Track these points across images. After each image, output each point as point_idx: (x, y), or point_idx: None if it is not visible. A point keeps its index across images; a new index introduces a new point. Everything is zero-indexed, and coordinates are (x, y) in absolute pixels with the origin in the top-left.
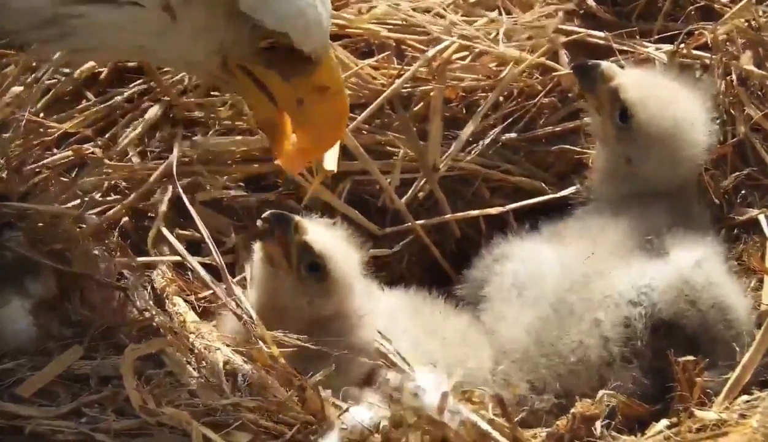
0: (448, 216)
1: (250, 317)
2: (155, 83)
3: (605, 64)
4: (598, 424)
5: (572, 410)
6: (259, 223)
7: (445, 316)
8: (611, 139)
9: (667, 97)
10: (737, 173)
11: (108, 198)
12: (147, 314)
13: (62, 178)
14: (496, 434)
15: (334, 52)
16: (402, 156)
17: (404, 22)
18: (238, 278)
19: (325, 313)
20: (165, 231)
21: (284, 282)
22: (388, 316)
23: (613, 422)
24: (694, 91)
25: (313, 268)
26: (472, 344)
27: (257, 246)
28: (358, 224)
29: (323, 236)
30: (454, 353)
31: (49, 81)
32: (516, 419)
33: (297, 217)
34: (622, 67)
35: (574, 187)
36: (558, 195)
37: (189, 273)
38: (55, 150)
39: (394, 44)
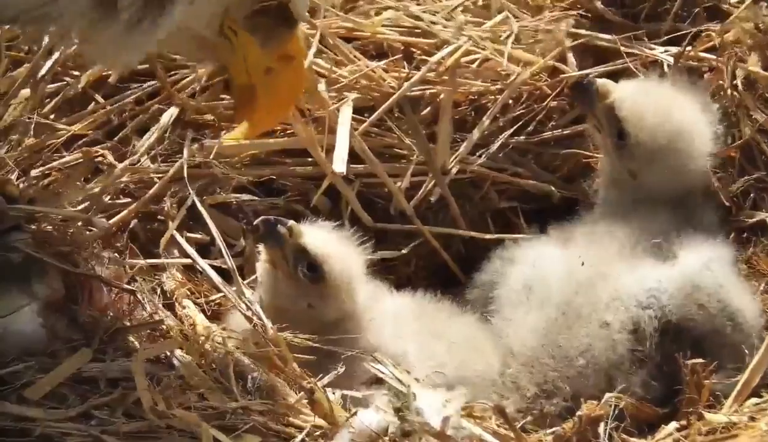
0: (460, 231)
1: (261, 320)
2: (162, 86)
3: (600, 82)
4: (603, 425)
5: (578, 413)
6: (255, 227)
7: (452, 318)
8: (613, 155)
9: (664, 109)
10: (746, 177)
11: (118, 201)
12: (156, 317)
13: (71, 181)
14: None
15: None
16: (411, 159)
17: (413, 26)
18: (248, 280)
19: (329, 318)
20: (176, 234)
21: (284, 284)
22: (394, 319)
23: (622, 425)
24: (695, 97)
25: (310, 269)
26: (478, 347)
27: (262, 248)
28: (366, 228)
29: (321, 238)
30: (460, 356)
31: (58, 83)
32: (523, 422)
33: (290, 222)
34: (634, 71)
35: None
36: None
37: (199, 276)
38: (64, 152)
39: (402, 48)
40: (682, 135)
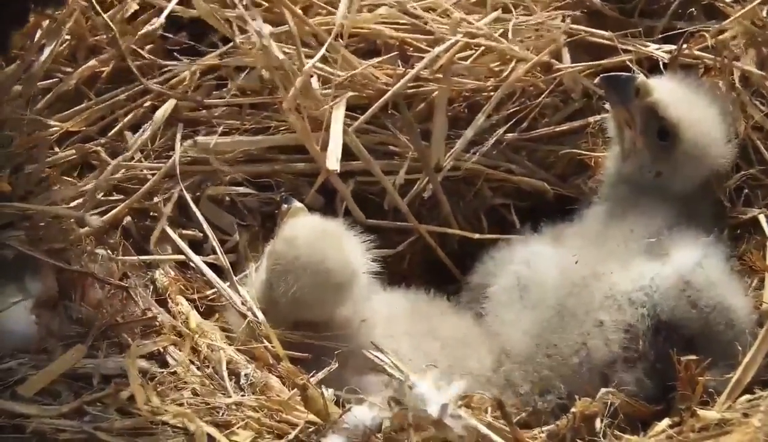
0: (454, 230)
1: (255, 316)
2: (150, 88)
3: (641, 78)
4: (598, 422)
5: (572, 409)
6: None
7: (445, 316)
8: (642, 153)
9: (702, 113)
10: (741, 173)
11: (111, 197)
12: (149, 313)
13: (64, 178)
14: (496, 437)
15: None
16: (406, 156)
17: (407, 22)
18: (240, 276)
19: (300, 317)
20: (169, 230)
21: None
22: (387, 317)
23: (616, 422)
24: (714, 99)
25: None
26: (472, 344)
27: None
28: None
29: (311, 224)
30: (454, 354)
31: (50, 80)
32: (517, 419)
33: (295, 202)
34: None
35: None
36: None
37: (191, 272)
38: (56, 149)
39: (397, 44)
40: (717, 139)
